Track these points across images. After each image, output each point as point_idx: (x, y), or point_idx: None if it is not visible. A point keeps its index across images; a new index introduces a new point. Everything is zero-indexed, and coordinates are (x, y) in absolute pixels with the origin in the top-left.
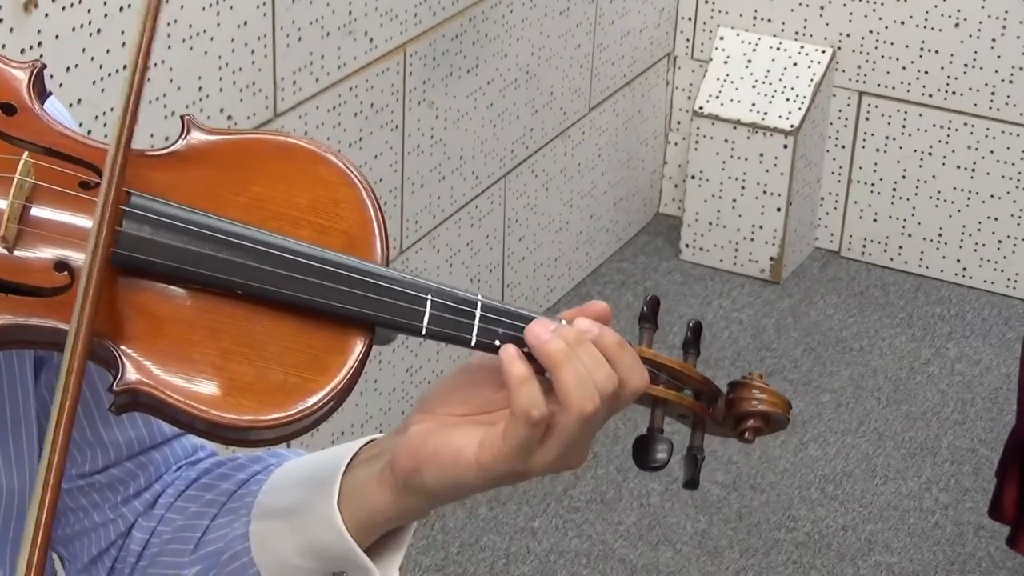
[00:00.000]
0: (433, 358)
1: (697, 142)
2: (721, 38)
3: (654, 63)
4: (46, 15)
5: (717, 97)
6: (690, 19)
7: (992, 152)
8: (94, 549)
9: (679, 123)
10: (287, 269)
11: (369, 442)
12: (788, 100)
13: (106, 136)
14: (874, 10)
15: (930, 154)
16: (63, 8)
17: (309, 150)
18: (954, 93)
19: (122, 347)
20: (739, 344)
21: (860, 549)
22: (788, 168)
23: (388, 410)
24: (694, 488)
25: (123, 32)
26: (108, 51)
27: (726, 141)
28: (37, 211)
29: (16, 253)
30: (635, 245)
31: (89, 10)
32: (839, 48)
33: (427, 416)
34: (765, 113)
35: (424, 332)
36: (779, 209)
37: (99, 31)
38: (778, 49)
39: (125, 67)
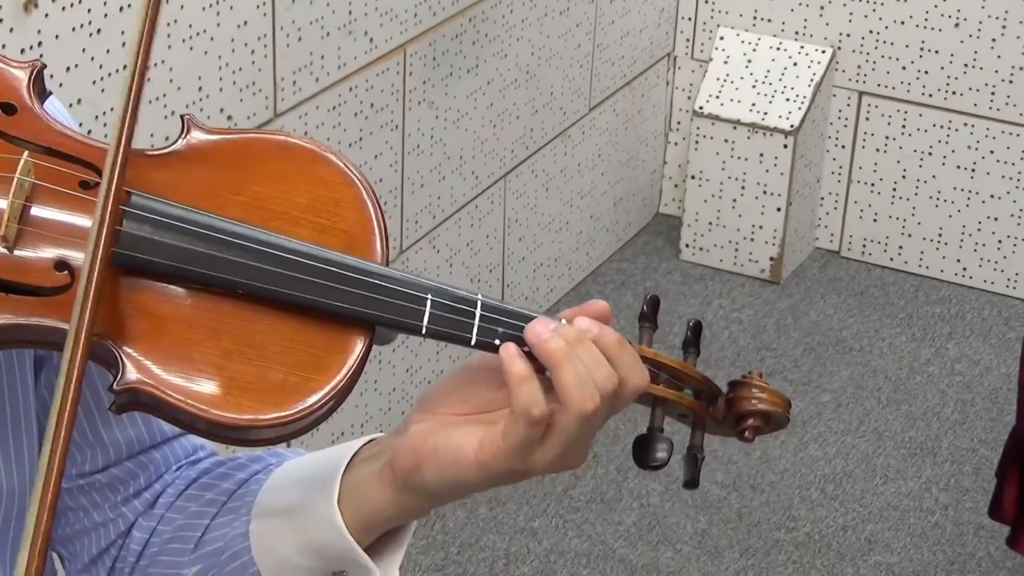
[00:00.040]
0: (433, 358)
1: (697, 142)
2: (721, 38)
3: (654, 63)
4: (46, 15)
5: (717, 97)
6: (690, 19)
7: (992, 152)
8: (94, 549)
9: (679, 123)
10: (287, 268)
11: (369, 441)
12: (788, 100)
13: (106, 136)
14: (874, 10)
15: (930, 154)
16: (63, 8)
17: (309, 149)
18: (954, 93)
19: (122, 346)
20: (739, 344)
21: (860, 549)
22: (788, 168)
23: (388, 410)
24: (694, 488)
25: (123, 32)
26: (108, 51)
27: (726, 141)
28: (37, 210)
29: (16, 253)
30: (635, 245)
31: (89, 10)
32: (839, 48)
33: (427, 415)
34: (765, 113)
35: (424, 331)
36: (779, 209)
37: (99, 31)
38: (778, 49)
39: (125, 67)
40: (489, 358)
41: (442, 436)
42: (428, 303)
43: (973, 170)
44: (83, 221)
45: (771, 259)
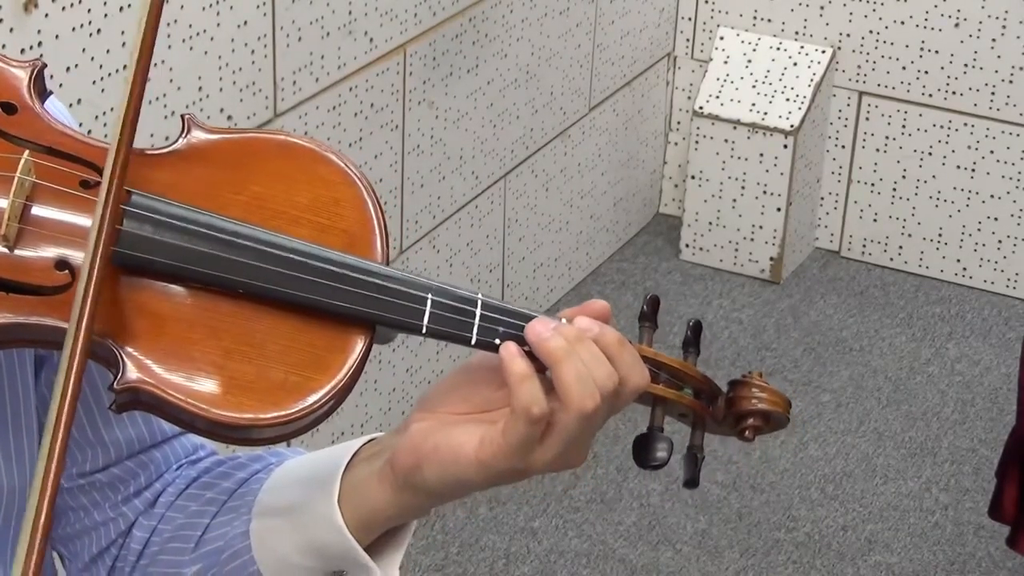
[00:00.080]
0: (433, 358)
1: (697, 142)
2: (721, 38)
3: (654, 63)
4: (46, 15)
5: (717, 97)
6: (690, 19)
7: (992, 152)
8: (95, 548)
9: (679, 123)
10: (287, 268)
11: (369, 441)
12: (788, 100)
13: (106, 136)
14: (874, 10)
15: (930, 154)
16: (63, 8)
17: (309, 149)
18: (954, 93)
19: (123, 346)
20: (739, 344)
21: (860, 549)
22: (788, 168)
23: (388, 410)
24: (694, 487)
25: (123, 32)
26: (108, 51)
27: (726, 141)
28: (38, 210)
29: (17, 252)
30: (635, 245)
31: (89, 10)
32: (839, 48)
33: (427, 415)
34: (765, 113)
35: (424, 331)
36: (779, 209)
37: (99, 31)
38: (778, 49)
39: (125, 67)
40: (489, 357)
41: (442, 435)
42: (428, 303)
43: (973, 170)
44: (84, 220)
45: (771, 259)
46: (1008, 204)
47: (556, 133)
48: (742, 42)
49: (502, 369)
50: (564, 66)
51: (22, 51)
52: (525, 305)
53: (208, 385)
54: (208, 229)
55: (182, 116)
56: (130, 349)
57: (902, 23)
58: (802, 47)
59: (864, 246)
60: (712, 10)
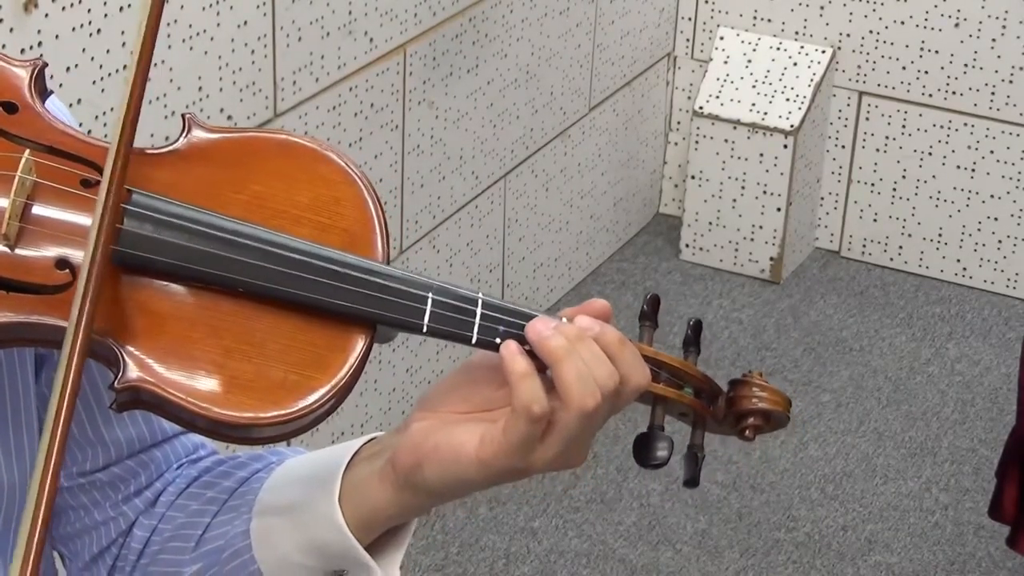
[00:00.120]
0: (433, 358)
1: (697, 142)
2: (721, 38)
3: (654, 63)
4: (46, 15)
5: (717, 97)
6: (690, 19)
7: (992, 152)
8: (95, 547)
9: (679, 123)
10: (288, 267)
11: (370, 440)
12: (788, 100)
13: (106, 136)
14: (874, 10)
15: (930, 154)
16: (63, 8)
17: (310, 148)
18: (954, 93)
19: (123, 344)
20: (739, 344)
21: (860, 549)
22: (788, 168)
23: (388, 410)
24: (695, 486)
25: (123, 32)
26: (108, 51)
27: (726, 141)
28: (39, 209)
29: (18, 251)
30: (635, 245)
31: (89, 10)
32: (839, 48)
33: (428, 414)
34: (765, 113)
35: (425, 330)
36: (779, 209)
37: (99, 31)
38: (778, 49)
39: (125, 67)
40: (490, 357)
41: (443, 434)
42: (429, 302)
43: (973, 170)
44: (84, 219)
45: (771, 259)
46: (1008, 204)
47: (556, 133)
48: (742, 42)
49: (503, 367)
50: (564, 66)
51: (22, 51)
52: (525, 305)
53: (209, 384)
54: (209, 228)
55: (183, 115)
56: (131, 348)
57: (902, 23)
58: (802, 47)
59: (864, 246)
60: (712, 10)
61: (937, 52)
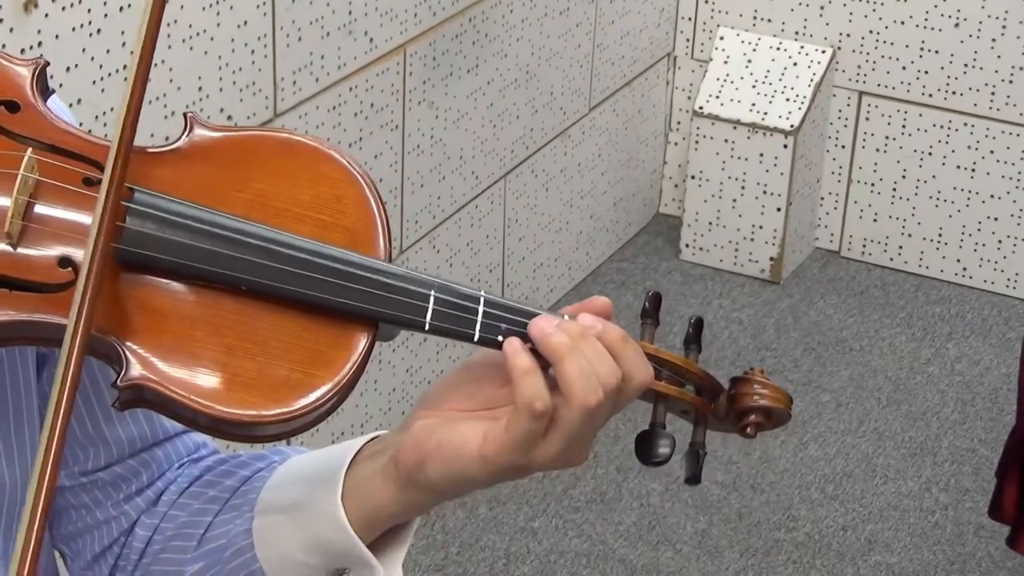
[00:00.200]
0: (433, 358)
1: (697, 142)
2: (721, 38)
3: (654, 63)
4: (46, 15)
5: (717, 97)
6: (690, 19)
7: (992, 152)
8: (97, 547)
9: (679, 123)
10: (290, 265)
11: (372, 439)
12: (788, 100)
13: (107, 136)
14: (874, 10)
15: (930, 154)
16: (63, 8)
17: (312, 147)
18: (954, 93)
19: (125, 343)
20: (739, 344)
21: (860, 549)
22: (788, 168)
23: (388, 410)
24: (696, 484)
25: (123, 32)
26: (108, 51)
27: (726, 141)
28: (41, 207)
29: (20, 249)
30: (635, 245)
31: (89, 10)
32: (839, 48)
33: (430, 412)
34: (765, 113)
35: (427, 328)
36: (779, 209)
37: (99, 31)
38: (778, 49)
39: (125, 67)
40: (492, 355)
41: (445, 431)
42: (431, 300)
43: (973, 170)
44: (87, 218)
45: (771, 259)
46: (1008, 204)
47: (556, 133)
48: (742, 42)
49: (505, 364)
50: (564, 66)
51: (22, 51)
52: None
53: (211, 382)
54: (211, 226)
55: (185, 114)
56: (133, 346)
57: (902, 23)
58: (802, 47)
59: (864, 246)
60: (712, 10)
61: (937, 52)
